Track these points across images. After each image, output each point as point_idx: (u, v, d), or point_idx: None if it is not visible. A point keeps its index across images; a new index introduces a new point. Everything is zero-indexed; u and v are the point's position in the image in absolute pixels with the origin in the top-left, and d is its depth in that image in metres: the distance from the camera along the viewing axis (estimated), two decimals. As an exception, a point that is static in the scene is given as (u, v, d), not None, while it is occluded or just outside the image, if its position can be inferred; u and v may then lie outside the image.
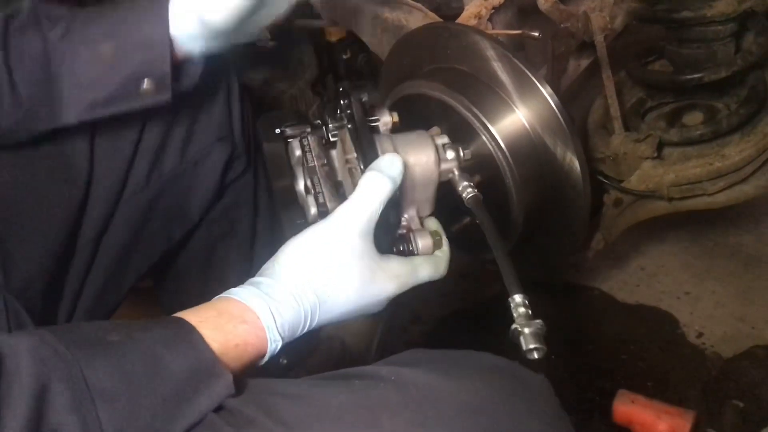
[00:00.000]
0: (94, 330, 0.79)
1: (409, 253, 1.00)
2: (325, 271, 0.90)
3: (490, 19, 1.40)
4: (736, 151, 1.45)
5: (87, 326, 0.82)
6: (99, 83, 1.11)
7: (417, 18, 1.52)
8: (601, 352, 1.77)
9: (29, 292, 1.13)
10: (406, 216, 1.02)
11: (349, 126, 1.02)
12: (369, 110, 1.03)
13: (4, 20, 1.09)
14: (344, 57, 1.97)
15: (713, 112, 1.53)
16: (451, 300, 1.99)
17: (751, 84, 1.50)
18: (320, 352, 1.56)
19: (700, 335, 1.75)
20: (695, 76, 1.46)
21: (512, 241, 1.21)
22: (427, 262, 0.99)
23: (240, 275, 1.31)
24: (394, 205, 0.98)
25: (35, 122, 1.13)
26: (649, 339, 1.77)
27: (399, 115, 1.23)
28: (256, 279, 0.90)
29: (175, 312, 0.84)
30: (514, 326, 0.88)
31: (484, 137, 1.13)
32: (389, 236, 0.99)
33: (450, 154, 1.04)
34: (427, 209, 1.05)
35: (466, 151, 1.05)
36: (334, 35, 1.95)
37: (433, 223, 1.06)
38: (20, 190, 1.15)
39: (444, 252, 1.03)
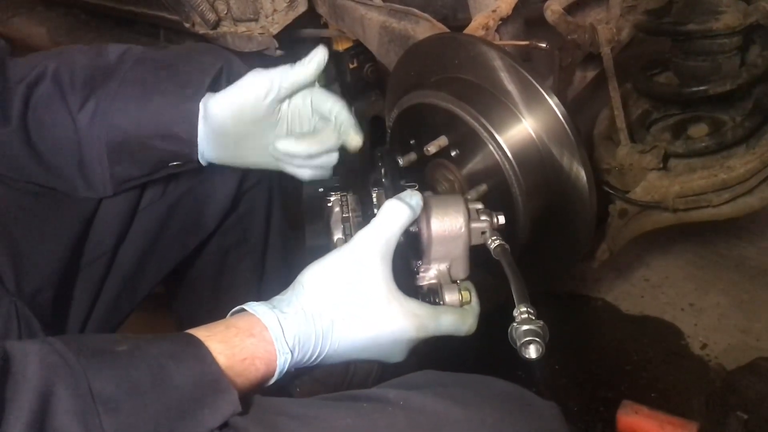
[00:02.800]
0: (103, 341, 0.79)
1: (434, 304, 0.99)
2: (341, 290, 0.89)
3: (497, 30, 1.40)
4: (741, 163, 1.45)
5: (96, 337, 0.82)
6: (131, 166, 1.16)
7: (424, 28, 1.52)
8: (604, 363, 1.77)
9: (39, 298, 1.13)
10: (436, 270, 1.02)
11: (383, 183, 1.07)
12: (401, 171, 1.11)
13: (25, 91, 1.11)
14: (351, 66, 1.98)
15: (718, 125, 1.54)
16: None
17: (756, 97, 1.50)
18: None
19: (704, 347, 1.75)
20: (701, 88, 1.47)
21: (517, 250, 1.21)
22: (452, 312, 0.97)
23: (251, 284, 1.31)
24: (416, 248, 1.00)
25: (71, 189, 1.17)
26: (653, 350, 1.77)
27: (406, 125, 1.25)
28: (275, 297, 0.90)
29: (184, 317, 0.85)
30: (513, 324, 0.89)
31: (491, 147, 1.13)
32: (412, 281, 1.00)
33: (483, 217, 1.04)
34: (460, 270, 1.04)
35: (500, 216, 1.04)
36: (341, 44, 1.96)
37: (466, 284, 1.04)
38: (36, 197, 1.17)
39: (473, 308, 1.01)
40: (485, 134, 1.14)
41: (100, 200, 1.22)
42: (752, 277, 1.88)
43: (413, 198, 0.95)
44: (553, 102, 1.13)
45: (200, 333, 0.82)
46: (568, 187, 1.17)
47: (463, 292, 1.00)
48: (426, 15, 1.52)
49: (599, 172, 1.53)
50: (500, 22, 1.40)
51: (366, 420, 0.79)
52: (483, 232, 1.03)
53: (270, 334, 0.84)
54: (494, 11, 1.40)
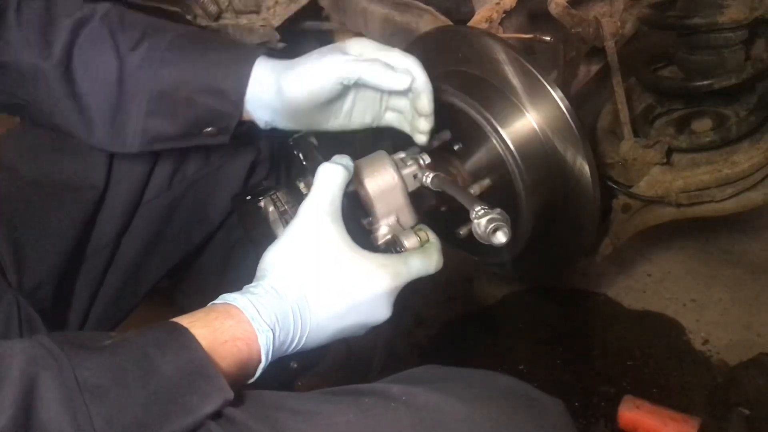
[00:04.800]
0: (89, 337, 0.79)
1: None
2: (305, 262, 0.89)
3: (501, 23, 1.39)
4: (745, 158, 1.44)
5: (83, 334, 0.82)
6: (167, 120, 1.13)
7: (427, 21, 1.52)
8: (606, 358, 1.77)
9: (40, 292, 1.13)
10: (386, 225, 1.04)
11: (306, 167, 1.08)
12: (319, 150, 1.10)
13: (72, 27, 1.09)
14: (353, 59, 1.97)
15: (722, 119, 1.53)
16: (456, 304, 1.99)
17: (760, 91, 1.49)
18: (328, 358, 1.56)
19: (705, 342, 1.75)
20: (705, 82, 1.46)
21: (521, 244, 1.21)
22: (418, 253, 0.98)
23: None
24: (360, 206, 1.02)
25: (98, 141, 1.15)
26: (655, 345, 1.77)
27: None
28: (245, 287, 0.90)
29: (188, 312, 0.84)
30: (473, 222, 0.92)
31: (494, 141, 1.13)
32: (368, 242, 1.01)
33: (409, 163, 1.08)
34: (408, 218, 1.05)
35: (424, 156, 1.09)
36: (343, 37, 1.95)
37: (418, 226, 1.05)
38: (38, 190, 1.16)
39: (432, 243, 1.01)
40: (489, 128, 1.13)
41: (103, 192, 1.21)
42: (755, 272, 1.88)
43: (342, 158, 0.96)
44: (557, 95, 1.12)
45: (183, 320, 0.82)
46: (572, 182, 1.16)
47: (419, 233, 1.02)
48: (429, 8, 1.51)
49: (603, 167, 1.52)
50: (504, 15, 1.39)
51: (368, 416, 0.79)
52: (415, 176, 1.07)
53: (246, 315, 0.84)
54: (498, 4, 1.39)
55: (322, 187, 0.93)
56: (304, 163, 1.10)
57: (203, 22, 1.89)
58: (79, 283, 1.23)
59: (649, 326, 1.82)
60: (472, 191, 1.10)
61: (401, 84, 1.03)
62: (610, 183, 1.54)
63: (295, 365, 0.92)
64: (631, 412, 1.53)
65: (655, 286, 1.92)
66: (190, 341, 0.78)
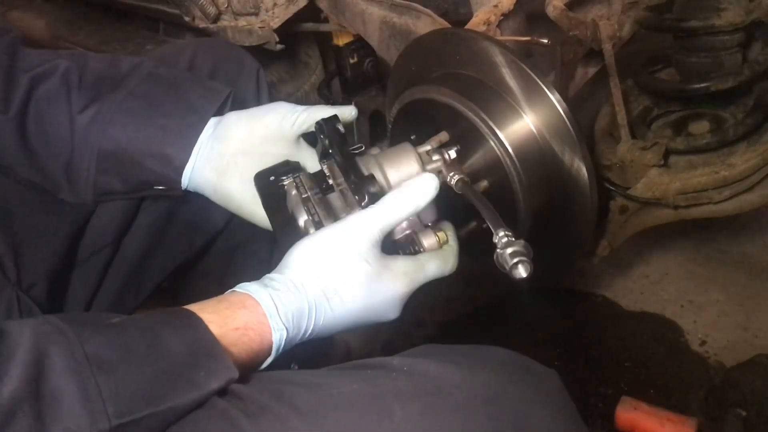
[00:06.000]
0: (97, 316, 0.82)
1: (415, 253, 1.01)
2: (330, 265, 0.90)
3: (498, 26, 1.40)
4: (742, 160, 1.45)
5: (92, 314, 0.83)
6: (116, 178, 1.16)
7: (425, 23, 1.52)
8: (604, 359, 1.77)
9: (35, 290, 1.13)
10: (406, 221, 1.03)
11: (331, 153, 1.07)
12: (345, 137, 1.08)
13: (30, 83, 1.12)
14: (351, 61, 1.98)
15: (719, 121, 1.53)
16: (455, 305, 1.99)
17: (757, 94, 1.50)
18: (328, 358, 1.56)
19: (703, 343, 1.76)
20: (702, 85, 1.46)
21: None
22: (434, 257, 0.99)
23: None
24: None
25: (53, 189, 1.17)
26: (653, 346, 1.78)
27: (407, 120, 1.24)
28: (265, 276, 0.92)
29: None
30: (497, 251, 0.92)
31: (492, 143, 1.13)
32: (388, 237, 1.00)
33: (435, 157, 1.07)
34: (429, 213, 1.06)
35: (450, 151, 1.08)
36: (341, 39, 1.96)
37: (440, 225, 1.07)
38: (37, 190, 1.17)
39: (451, 246, 1.03)
40: (486, 130, 1.13)
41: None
42: (752, 274, 1.88)
43: (425, 188, 0.96)
44: (554, 98, 1.12)
45: (192, 307, 0.84)
46: (569, 184, 1.16)
47: (438, 234, 1.02)
48: (427, 10, 1.51)
49: (600, 169, 1.53)
50: (502, 18, 1.40)
51: (372, 384, 0.81)
52: (439, 172, 1.05)
53: (263, 308, 0.85)
54: (496, 6, 1.40)
55: (382, 213, 0.94)
56: (330, 150, 1.08)
57: (202, 24, 1.90)
58: (77, 283, 1.23)
59: (646, 327, 1.83)
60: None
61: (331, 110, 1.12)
62: (607, 185, 1.54)
63: (296, 367, 0.92)
64: (628, 413, 1.53)
65: (652, 288, 1.92)
66: (197, 322, 0.80)
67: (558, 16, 1.37)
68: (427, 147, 1.08)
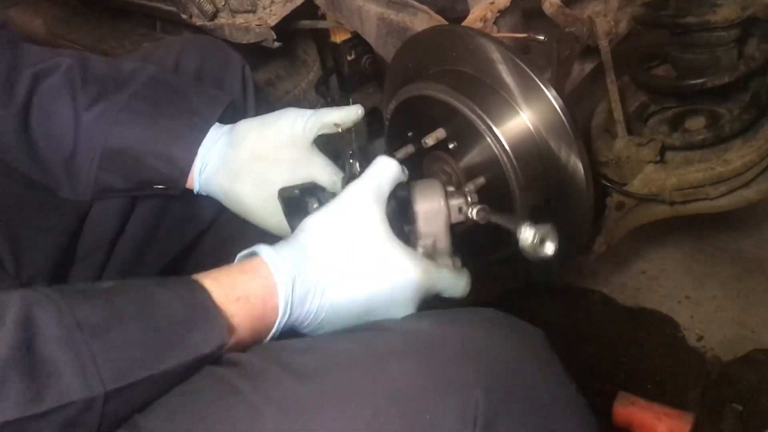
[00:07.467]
0: (89, 285, 0.82)
1: None
2: (339, 230, 0.90)
3: (495, 22, 1.40)
4: (738, 156, 1.45)
5: (83, 283, 0.83)
6: (117, 176, 1.17)
7: (422, 20, 1.52)
8: (601, 355, 1.77)
9: (34, 284, 1.14)
10: (424, 245, 1.04)
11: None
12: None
13: (33, 78, 1.13)
14: (349, 58, 1.98)
15: (716, 117, 1.54)
16: (451, 303, 1.98)
17: (753, 90, 1.50)
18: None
19: (700, 339, 1.76)
20: (698, 81, 1.47)
21: (515, 242, 1.21)
22: (450, 271, 0.98)
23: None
24: (405, 215, 1.02)
25: (51, 185, 1.18)
26: (650, 342, 1.78)
27: (404, 117, 1.24)
28: (278, 242, 0.91)
29: None
30: (521, 233, 0.94)
31: (488, 139, 1.13)
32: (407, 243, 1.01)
33: (457, 195, 1.07)
34: (444, 244, 1.05)
35: (473, 194, 1.08)
36: (338, 36, 1.96)
37: (454, 258, 1.06)
38: (32, 190, 1.17)
39: (465, 271, 1.02)
40: (483, 126, 1.14)
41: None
42: (749, 269, 1.89)
43: (399, 153, 1.00)
44: (551, 94, 1.13)
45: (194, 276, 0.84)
46: (566, 180, 1.17)
47: (453, 259, 1.04)
48: (424, 7, 1.51)
49: (596, 165, 1.53)
50: (498, 14, 1.40)
51: (367, 344, 0.82)
52: (460, 209, 1.06)
53: (266, 265, 0.85)
54: (492, 3, 1.40)
55: (373, 173, 0.95)
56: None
57: (199, 21, 1.90)
58: (76, 279, 1.23)
59: (643, 323, 1.83)
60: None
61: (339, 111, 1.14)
62: (604, 181, 1.55)
63: (297, 323, 0.93)
64: (625, 408, 1.54)
65: (649, 283, 1.92)
66: (193, 282, 0.81)
67: (554, 12, 1.37)
68: (451, 188, 1.09)
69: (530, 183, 1.15)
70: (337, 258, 0.88)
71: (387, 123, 1.34)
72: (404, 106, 1.26)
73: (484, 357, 0.80)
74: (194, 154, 1.15)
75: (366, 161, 1.02)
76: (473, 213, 1.06)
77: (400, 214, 1.01)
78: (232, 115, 1.23)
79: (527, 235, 0.93)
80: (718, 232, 1.98)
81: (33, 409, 0.67)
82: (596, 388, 1.68)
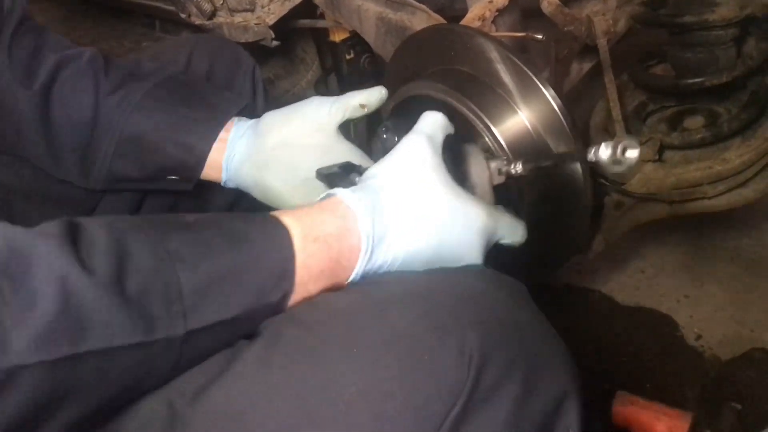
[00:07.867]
0: (168, 216, 0.83)
1: None
2: (404, 172, 0.90)
3: (493, 22, 1.40)
4: (737, 155, 1.45)
5: (159, 215, 0.82)
6: (133, 164, 1.17)
7: (421, 19, 1.52)
8: (600, 354, 1.77)
9: None
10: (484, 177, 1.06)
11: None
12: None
13: (57, 62, 1.14)
14: (348, 57, 1.98)
15: (714, 117, 1.54)
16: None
17: (751, 89, 1.50)
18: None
19: (698, 338, 1.76)
20: (697, 80, 1.47)
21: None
22: (508, 215, 0.98)
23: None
24: (457, 167, 1.02)
25: (63, 174, 1.18)
26: (648, 341, 1.78)
27: (403, 116, 1.24)
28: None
29: None
30: (599, 155, 0.91)
31: (486, 138, 1.13)
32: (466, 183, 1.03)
33: (495, 157, 1.10)
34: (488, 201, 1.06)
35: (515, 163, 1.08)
36: (337, 35, 1.96)
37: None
38: (37, 186, 1.18)
39: (519, 218, 1.02)
40: (481, 125, 1.14)
41: (104, 191, 1.23)
42: (747, 268, 1.89)
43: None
44: (549, 94, 1.13)
45: (277, 213, 0.84)
46: (564, 179, 1.17)
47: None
48: (423, 6, 1.51)
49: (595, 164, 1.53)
50: (497, 13, 1.40)
51: (367, 295, 0.83)
52: (500, 170, 1.07)
53: (344, 203, 0.86)
54: (491, 2, 1.40)
55: (425, 125, 0.95)
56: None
57: (197, 20, 1.90)
58: None
59: (642, 322, 1.83)
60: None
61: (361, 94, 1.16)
62: (602, 180, 1.55)
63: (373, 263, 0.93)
64: (624, 407, 1.53)
65: (648, 282, 1.92)
66: (276, 218, 0.82)
67: (553, 11, 1.37)
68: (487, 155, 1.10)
69: (528, 182, 1.15)
70: (411, 202, 0.89)
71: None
72: (403, 106, 1.26)
73: (479, 302, 0.82)
74: (211, 143, 1.15)
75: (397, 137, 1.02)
76: (517, 167, 1.05)
77: (453, 164, 1.01)
78: (246, 116, 1.23)
79: (605, 153, 0.90)
80: (717, 231, 1.98)
81: (130, 339, 0.68)
82: (595, 388, 1.68)
